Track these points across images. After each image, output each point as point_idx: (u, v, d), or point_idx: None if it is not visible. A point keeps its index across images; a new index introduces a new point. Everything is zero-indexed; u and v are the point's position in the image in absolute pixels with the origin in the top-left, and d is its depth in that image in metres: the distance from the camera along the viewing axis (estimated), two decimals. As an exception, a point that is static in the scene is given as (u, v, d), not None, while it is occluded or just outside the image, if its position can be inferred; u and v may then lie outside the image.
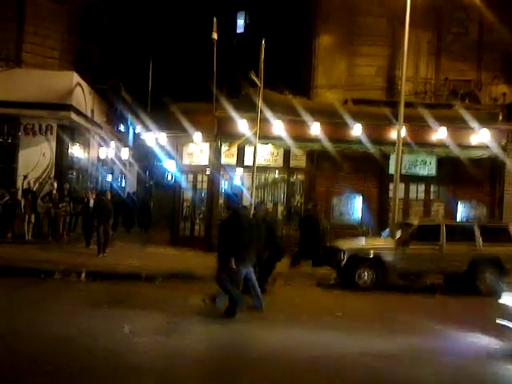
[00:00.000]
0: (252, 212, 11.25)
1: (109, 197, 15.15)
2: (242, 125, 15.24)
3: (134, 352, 6.58)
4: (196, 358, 6.58)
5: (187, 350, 6.85)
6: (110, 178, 23.87)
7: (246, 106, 14.90)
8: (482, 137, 16.13)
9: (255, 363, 6.44)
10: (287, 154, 16.79)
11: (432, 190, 17.20)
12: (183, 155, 17.66)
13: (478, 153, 16.32)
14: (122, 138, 24.39)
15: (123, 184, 26.35)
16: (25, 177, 17.02)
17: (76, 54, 20.31)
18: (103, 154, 21.58)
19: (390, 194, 15.48)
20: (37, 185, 17.09)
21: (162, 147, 18.02)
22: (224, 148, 16.30)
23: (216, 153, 16.60)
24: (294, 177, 17.50)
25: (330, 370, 6.40)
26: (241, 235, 8.73)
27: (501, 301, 7.79)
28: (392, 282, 12.54)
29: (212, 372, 6.21)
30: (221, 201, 17.17)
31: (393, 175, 14.77)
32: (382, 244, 12.76)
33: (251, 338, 7.66)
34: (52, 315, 8.19)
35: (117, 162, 23.81)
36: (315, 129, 15.87)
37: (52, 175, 17.14)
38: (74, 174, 19.16)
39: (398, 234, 12.81)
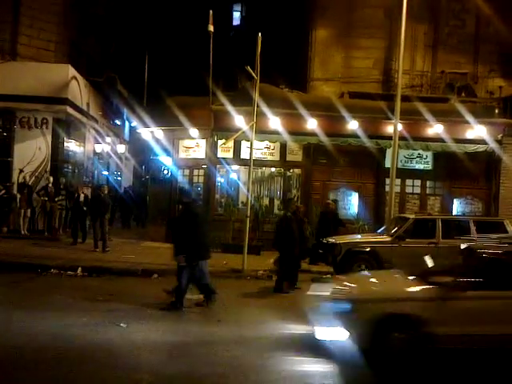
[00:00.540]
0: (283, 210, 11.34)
1: (106, 191, 15.13)
2: (239, 119, 15.21)
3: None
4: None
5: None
6: (105, 172, 23.80)
7: (243, 100, 14.85)
8: (478, 131, 16.15)
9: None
10: (284, 148, 16.78)
11: (428, 184, 17.22)
12: (179, 149, 17.64)
13: (473, 147, 16.33)
14: (117, 132, 24.29)
15: (119, 178, 26.27)
16: (20, 171, 16.95)
17: (72, 47, 20.18)
18: (99, 148, 21.50)
19: (387, 189, 15.51)
20: (32, 179, 17.03)
21: (158, 141, 17.99)
22: (220, 142, 16.26)
23: (212, 147, 16.57)
24: (291, 171, 17.50)
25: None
26: (195, 231, 8.60)
27: (309, 292, 7.79)
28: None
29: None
30: (217, 195, 17.18)
31: (389, 169, 14.78)
32: (378, 239, 12.77)
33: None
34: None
35: (113, 156, 23.73)
36: (311, 123, 15.85)
37: (48, 169, 17.08)
38: (70, 168, 19.08)
39: (395, 228, 12.83)
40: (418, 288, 6.98)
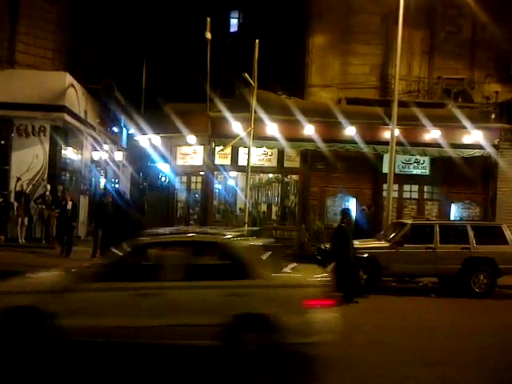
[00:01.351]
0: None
1: (110, 199, 14.96)
2: (236, 125, 15.23)
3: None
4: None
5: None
6: (103, 179, 23.76)
7: (240, 106, 14.90)
8: (474, 136, 16.21)
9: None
10: (281, 155, 16.79)
11: (425, 189, 17.25)
12: (177, 156, 17.66)
13: (470, 152, 16.38)
14: (115, 140, 24.27)
15: (117, 186, 26.22)
16: (18, 179, 16.92)
17: (69, 55, 20.21)
18: (96, 156, 21.48)
19: (384, 194, 15.52)
20: (30, 187, 16.99)
21: (155, 148, 18.00)
22: (218, 149, 16.26)
23: (210, 153, 16.58)
24: (288, 177, 17.51)
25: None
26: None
27: None
28: (386, 284, 12.60)
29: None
30: (215, 202, 17.18)
31: (386, 175, 14.82)
32: (376, 244, 12.76)
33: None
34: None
35: (110, 163, 23.71)
36: (309, 129, 15.89)
37: (45, 177, 17.04)
38: (68, 175, 19.06)
39: (392, 234, 12.83)
40: (46, 280, 7.04)
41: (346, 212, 11.77)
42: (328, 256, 12.40)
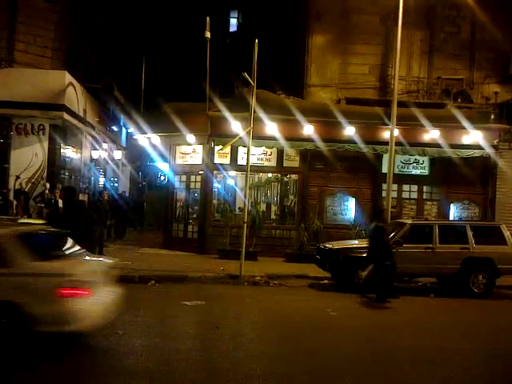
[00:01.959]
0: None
1: (106, 197, 14.92)
2: (236, 124, 15.23)
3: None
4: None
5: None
6: (102, 178, 23.75)
7: (240, 106, 14.88)
8: (474, 136, 16.23)
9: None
10: (280, 154, 16.79)
11: (425, 189, 17.26)
12: (176, 155, 17.64)
13: (470, 152, 16.40)
14: (114, 138, 24.26)
15: (116, 184, 26.23)
16: (17, 177, 16.90)
17: (68, 53, 20.19)
18: (96, 155, 21.47)
19: (383, 194, 15.53)
20: (29, 185, 16.96)
21: (154, 147, 17.98)
22: (217, 148, 16.26)
23: (209, 153, 16.57)
24: (288, 177, 17.52)
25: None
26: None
27: None
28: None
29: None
30: (214, 201, 17.17)
31: (386, 175, 14.82)
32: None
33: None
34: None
35: (109, 162, 23.70)
36: (308, 128, 15.89)
37: (44, 175, 17.03)
38: (67, 174, 19.05)
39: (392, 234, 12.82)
40: None
41: (380, 212, 11.75)
42: (327, 255, 12.45)
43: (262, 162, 16.83)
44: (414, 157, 16.87)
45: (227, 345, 7.37)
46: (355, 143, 16.07)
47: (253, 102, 12.99)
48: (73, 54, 20.54)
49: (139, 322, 8.30)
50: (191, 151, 17.30)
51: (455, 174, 16.51)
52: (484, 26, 19.01)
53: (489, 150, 16.38)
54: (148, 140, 17.83)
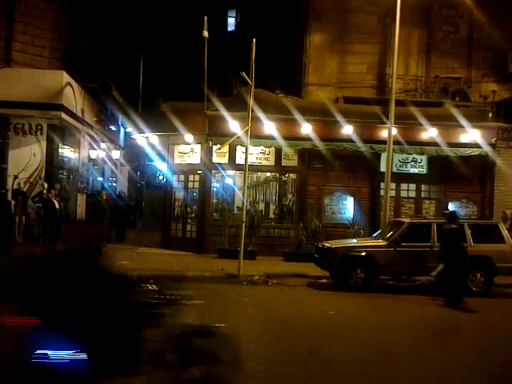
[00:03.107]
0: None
1: (104, 197, 14.85)
2: (234, 124, 15.23)
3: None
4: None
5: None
6: (100, 178, 23.73)
7: (238, 105, 14.88)
8: (472, 135, 16.25)
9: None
10: (279, 153, 16.79)
11: (423, 188, 17.26)
12: (174, 155, 17.62)
13: (468, 151, 16.41)
14: (112, 138, 24.25)
15: (114, 184, 26.22)
16: (15, 177, 16.88)
17: (66, 53, 20.16)
18: (94, 154, 21.46)
19: (382, 193, 15.55)
20: (27, 185, 16.96)
21: (153, 147, 17.98)
22: (215, 147, 16.26)
23: (207, 152, 16.57)
24: (286, 176, 17.52)
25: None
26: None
27: None
28: (384, 282, 12.62)
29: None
30: (213, 201, 17.17)
31: (384, 174, 14.84)
32: (373, 243, 12.77)
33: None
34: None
35: (108, 162, 23.69)
36: (306, 127, 15.90)
37: (42, 175, 17.02)
38: (65, 174, 19.04)
39: (390, 232, 12.83)
40: None
41: (455, 214, 11.75)
42: (325, 254, 12.46)
43: (260, 161, 16.84)
44: (412, 155, 16.88)
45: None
46: (353, 142, 16.08)
47: (251, 102, 12.98)
48: (70, 53, 20.51)
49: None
50: (189, 150, 17.29)
51: (453, 173, 16.52)
52: (482, 24, 19.05)
53: (487, 149, 16.40)
54: (146, 139, 17.83)
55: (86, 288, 4.18)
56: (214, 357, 4.62)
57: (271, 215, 17.72)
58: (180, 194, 17.81)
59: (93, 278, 4.31)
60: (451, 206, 17.03)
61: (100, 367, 4.07)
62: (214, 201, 17.27)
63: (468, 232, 12.21)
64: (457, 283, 10.64)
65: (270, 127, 15.76)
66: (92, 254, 4.61)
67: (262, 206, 18.18)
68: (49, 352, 3.97)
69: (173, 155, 17.62)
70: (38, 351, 3.96)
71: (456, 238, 11.00)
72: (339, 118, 15.83)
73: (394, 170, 15.98)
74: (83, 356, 3.99)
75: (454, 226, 11.08)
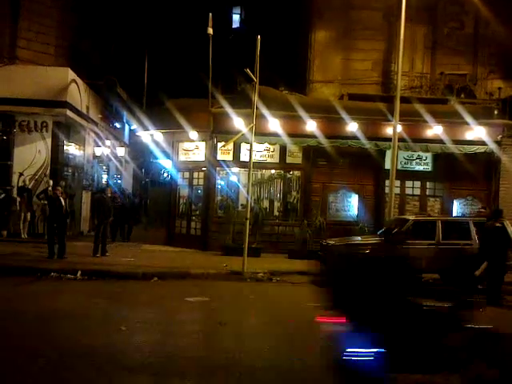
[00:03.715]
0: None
1: (109, 194, 14.81)
2: (238, 121, 15.23)
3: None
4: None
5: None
6: (105, 175, 23.77)
7: (242, 102, 14.87)
8: (477, 132, 16.18)
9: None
10: (283, 151, 16.77)
11: (428, 185, 17.21)
12: (179, 152, 17.65)
13: (473, 148, 16.35)
14: (117, 135, 24.30)
15: (119, 181, 26.28)
16: (20, 174, 16.97)
17: (71, 50, 20.22)
18: (99, 151, 21.51)
19: (386, 190, 15.51)
20: (32, 182, 17.05)
21: (157, 144, 17.99)
22: (220, 144, 16.27)
23: (212, 149, 16.57)
24: (291, 173, 17.51)
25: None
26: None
27: None
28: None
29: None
30: (217, 198, 17.18)
31: (389, 171, 14.80)
32: (378, 240, 12.74)
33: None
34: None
35: (113, 159, 23.74)
36: (311, 125, 15.87)
37: (47, 173, 17.09)
38: (70, 171, 19.09)
39: (394, 230, 12.81)
40: None
41: (500, 212, 11.60)
42: (327, 252, 12.45)
43: (264, 158, 16.83)
44: (417, 153, 16.83)
45: (230, 341, 7.38)
46: (358, 139, 16.03)
47: (255, 99, 12.96)
48: (75, 50, 20.56)
49: (142, 318, 8.32)
50: (194, 148, 17.31)
51: (458, 170, 16.45)
52: (487, 20, 18.97)
53: (492, 146, 16.33)
54: (151, 137, 17.85)
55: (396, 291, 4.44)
56: (500, 360, 4.62)
57: (275, 212, 17.73)
58: (184, 192, 17.83)
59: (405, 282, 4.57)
60: (456, 204, 17.02)
61: (398, 364, 4.30)
62: (219, 198, 17.30)
63: (473, 229, 12.17)
64: (499, 282, 10.46)
65: (274, 124, 15.74)
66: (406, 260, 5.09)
67: (266, 204, 18.21)
68: (357, 350, 4.25)
69: (177, 152, 17.64)
70: (349, 349, 4.27)
71: (501, 236, 10.67)
72: (344, 115, 15.79)
73: (399, 167, 15.92)
74: (383, 353, 4.21)
75: (498, 225, 10.74)
